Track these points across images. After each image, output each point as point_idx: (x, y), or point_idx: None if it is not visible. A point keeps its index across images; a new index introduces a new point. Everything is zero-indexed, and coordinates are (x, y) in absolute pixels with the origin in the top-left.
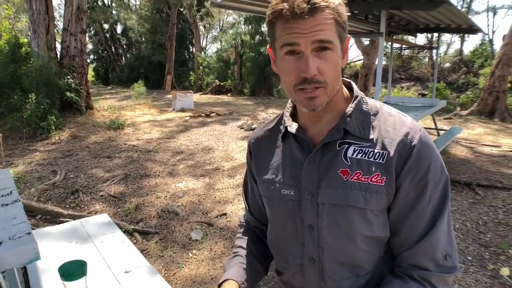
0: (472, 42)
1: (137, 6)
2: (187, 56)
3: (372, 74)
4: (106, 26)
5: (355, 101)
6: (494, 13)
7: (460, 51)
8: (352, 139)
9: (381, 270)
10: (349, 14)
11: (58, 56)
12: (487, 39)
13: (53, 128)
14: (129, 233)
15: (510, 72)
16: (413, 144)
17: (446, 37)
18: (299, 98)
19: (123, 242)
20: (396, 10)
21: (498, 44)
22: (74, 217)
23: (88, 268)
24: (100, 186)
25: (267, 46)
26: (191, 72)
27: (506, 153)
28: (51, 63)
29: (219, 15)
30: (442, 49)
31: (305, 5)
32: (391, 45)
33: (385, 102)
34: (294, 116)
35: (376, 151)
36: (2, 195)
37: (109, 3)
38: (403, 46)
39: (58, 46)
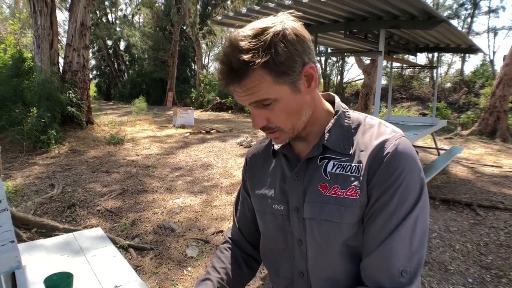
0: (473, 63)
1: (140, 24)
2: (189, 73)
3: (373, 93)
4: (109, 42)
5: (335, 117)
6: (495, 34)
7: (461, 71)
8: (332, 154)
9: None
10: (285, 50)
11: (61, 71)
12: (488, 59)
13: (53, 142)
14: (124, 249)
15: (511, 92)
16: (385, 153)
17: (447, 57)
18: (267, 136)
19: (115, 257)
20: (395, 29)
21: (499, 65)
22: (69, 231)
23: (76, 281)
24: (97, 201)
25: None
26: (192, 89)
27: (508, 174)
28: (53, 78)
29: (221, 33)
30: (443, 69)
31: (229, 79)
32: (391, 64)
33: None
34: None
35: (353, 164)
36: None
37: (113, 20)
38: (404, 65)
39: (61, 61)
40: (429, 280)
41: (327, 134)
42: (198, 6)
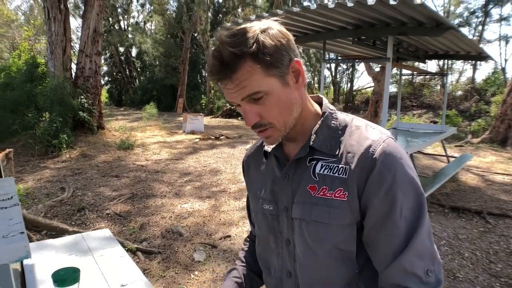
0: (484, 71)
1: (152, 31)
2: (199, 80)
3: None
4: (121, 49)
5: (322, 118)
6: (506, 42)
7: (472, 79)
8: (320, 155)
9: None
10: (279, 40)
11: (73, 76)
12: (499, 67)
13: (64, 146)
14: (132, 252)
15: None
16: (374, 156)
17: (458, 65)
18: (259, 136)
19: (121, 257)
20: (404, 36)
21: (510, 73)
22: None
23: (84, 279)
24: (107, 205)
25: None
26: (202, 96)
27: None
28: (66, 83)
29: None
30: (454, 77)
31: (221, 74)
32: (400, 71)
33: (393, 128)
34: None
35: (340, 166)
36: (3, 199)
37: (125, 27)
38: (415, 73)
39: (74, 67)
40: None
41: (314, 135)
42: (209, 14)
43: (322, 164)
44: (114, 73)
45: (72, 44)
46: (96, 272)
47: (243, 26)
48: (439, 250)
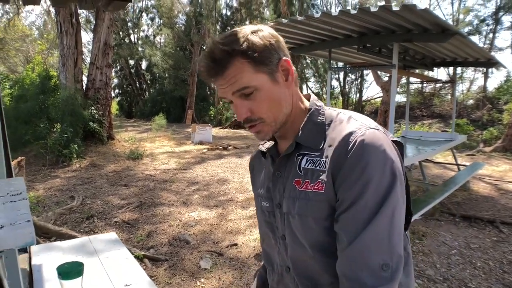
0: (496, 79)
1: (161, 44)
2: (208, 92)
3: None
4: (131, 62)
5: (308, 114)
6: None
7: (484, 88)
8: (306, 150)
9: None
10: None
11: (84, 88)
12: None
13: (75, 156)
14: (139, 259)
15: None
16: (349, 147)
17: (468, 74)
18: (250, 132)
19: (127, 259)
20: (410, 43)
21: None
22: None
23: (89, 279)
24: (115, 213)
25: None
26: (211, 107)
27: None
28: (77, 94)
29: None
30: (465, 86)
31: (212, 71)
32: (408, 79)
33: (402, 136)
34: None
35: (322, 159)
36: (13, 194)
37: (135, 40)
38: (424, 83)
39: (85, 79)
40: None
41: (300, 131)
42: (217, 26)
43: (307, 159)
44: (125, 86)
45: (83, 57)
46: (101, 272)
47: (235, 29)
48: (449, 259)
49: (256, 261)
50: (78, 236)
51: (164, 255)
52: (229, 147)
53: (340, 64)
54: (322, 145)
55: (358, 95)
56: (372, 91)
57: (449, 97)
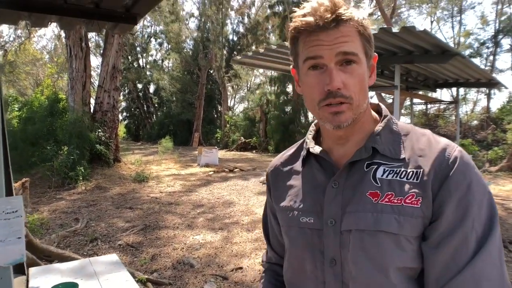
0: (499, 100)
1: (169, 68)
2: (215, 115)
3: None
4: (139, 85)
5: (384, 120)
6: None
7: (487, 109)
8: (382, 159)
9: None
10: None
11: (92, 110)
12: None
13: (81, 178)
14: (142, 283)
15: None
16: (450, 161)
17: (471, 95)
18: (324, 114)
19: (127, 281)
20: (412, 65)
21: None
22: None
23: None
24: (119, 236)
25: (291, 67)
26: (218, 130)
27: None
28: (84, 117)
29: (246, 77)
30: (469, 107)
31: (328, 15)
32: (411, 100)
33: None
34: (317, 140)
35: (409, 170)
36: (8, 212)
37: (144, 64)
38: (428, 104)
39: (93, 101)
40: None
41: (377, 136)
42: (224, 51)
43: (384, 169)
44: (132, 109)
45: (92, 80)
46: None
47: None
48: None
49: None
50: (81, 259)
51: (168, 279)
52: (235, 170)
53: None
54: (403, 155)
55: None
56: None
57: (453, 118)
